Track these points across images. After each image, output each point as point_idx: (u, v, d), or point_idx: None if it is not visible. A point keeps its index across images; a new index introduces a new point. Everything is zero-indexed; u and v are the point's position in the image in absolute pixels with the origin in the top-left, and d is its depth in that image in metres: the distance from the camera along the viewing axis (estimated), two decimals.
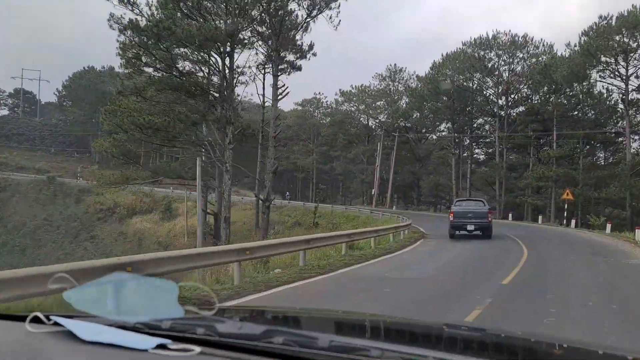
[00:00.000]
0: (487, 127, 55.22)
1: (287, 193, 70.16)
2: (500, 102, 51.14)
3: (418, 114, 62.05)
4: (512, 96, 49.77)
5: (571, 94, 42.56)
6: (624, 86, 39.34)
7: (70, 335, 1.27)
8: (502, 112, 50.59)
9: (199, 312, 1.38)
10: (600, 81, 40.25)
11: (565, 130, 44.70)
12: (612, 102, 44.87)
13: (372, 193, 62.27)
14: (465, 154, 56.70)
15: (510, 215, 44.12)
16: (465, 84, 52.79)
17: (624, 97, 40.04)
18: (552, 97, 42.76)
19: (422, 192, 59.98)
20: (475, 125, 57.19)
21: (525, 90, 48.29)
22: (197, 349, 1.18)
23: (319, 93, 79.33)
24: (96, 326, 1.30)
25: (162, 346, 1.20)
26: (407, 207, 61.03)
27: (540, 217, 38.34)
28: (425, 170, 61.74)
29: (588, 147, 46.42)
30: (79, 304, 1.29)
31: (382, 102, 69.95)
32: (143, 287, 1.38)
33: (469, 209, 20.70)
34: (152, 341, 1.21)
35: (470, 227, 19.77)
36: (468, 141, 58.40)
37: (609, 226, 26.33)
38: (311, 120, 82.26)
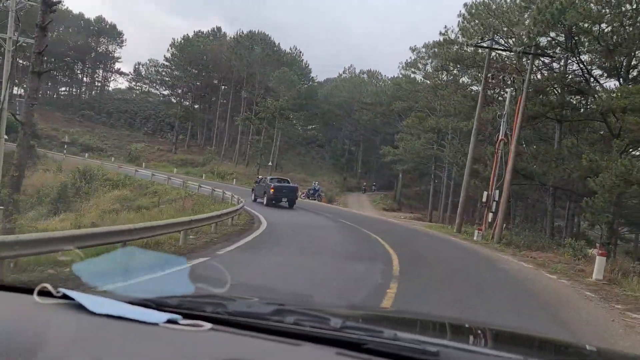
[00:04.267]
0: None
1: (374, 184, 58.84)
2: None
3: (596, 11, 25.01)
4: None
5: None
6: None
7: (79, 308, 1.20)
8: None
9: (209, 290, 1.33)
10: None
11: None
12: None
13: (490, 193, 26.32)
14: None
15: None
16: None
17: None
18: None
19: (591, 201, 22.65)
20: None
21: None
22: (208, 325, 1.15)
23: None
24: (105, 300, 1.25)
25: (172, 321, 1.16)
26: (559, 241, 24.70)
27: None
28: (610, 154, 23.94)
29: None
30: (87, 278, 1.27)
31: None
32: (153, 263, 1.38)
33: (284, 186, 26.32)
34: (163, 316, 1.17)
35: (285, 200, 25.69)
36: None
37: None
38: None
